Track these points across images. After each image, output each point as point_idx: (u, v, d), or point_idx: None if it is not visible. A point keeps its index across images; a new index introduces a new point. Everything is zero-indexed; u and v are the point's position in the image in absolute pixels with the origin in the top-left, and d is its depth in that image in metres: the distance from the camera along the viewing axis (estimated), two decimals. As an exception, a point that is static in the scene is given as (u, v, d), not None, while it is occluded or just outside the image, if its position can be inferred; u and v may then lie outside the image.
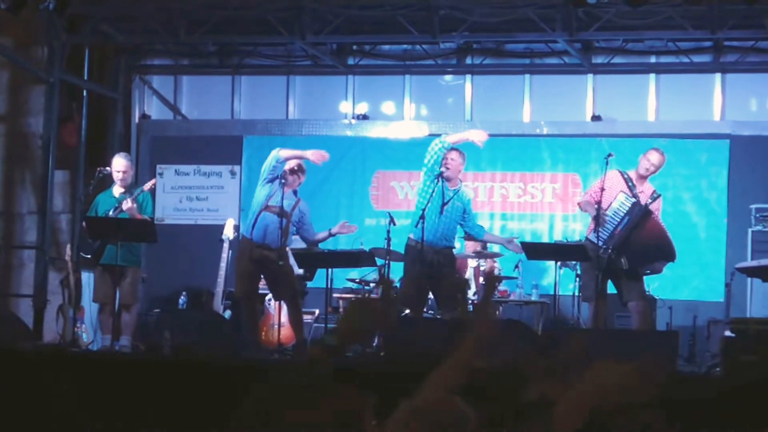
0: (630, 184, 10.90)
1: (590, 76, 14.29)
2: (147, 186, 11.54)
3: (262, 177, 11.05)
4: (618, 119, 14.16)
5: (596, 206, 10.69)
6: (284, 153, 11.02)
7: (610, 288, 10.90)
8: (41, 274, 13.56)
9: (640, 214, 10.75)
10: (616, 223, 10.76)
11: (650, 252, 10.80)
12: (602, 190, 10.82)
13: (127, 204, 11.17)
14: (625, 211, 10.76)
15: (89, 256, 11.55)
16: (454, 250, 11.16)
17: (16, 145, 14.74)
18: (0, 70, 14.72)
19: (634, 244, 10.72)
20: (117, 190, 11.53)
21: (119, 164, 11.56)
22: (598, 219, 10.64)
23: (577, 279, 11.80)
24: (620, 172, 11.04)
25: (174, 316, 11.01)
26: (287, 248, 11.24)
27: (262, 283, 11.47)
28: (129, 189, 11.50)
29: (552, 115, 14.37)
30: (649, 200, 10.89)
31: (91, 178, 12.51)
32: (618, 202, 10.78)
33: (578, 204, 11.52)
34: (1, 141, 14.81)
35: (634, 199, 10.79)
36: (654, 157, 10.92)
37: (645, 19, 12.69)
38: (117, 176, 11.51)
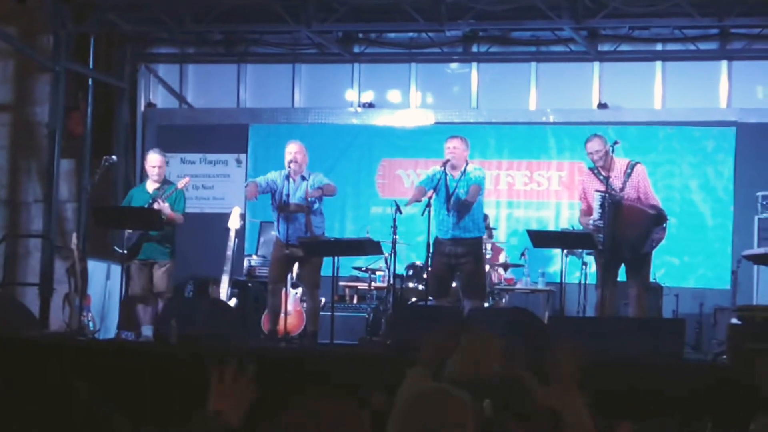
0: (600, 177, 10.67)
1: (596, 63, 14.26)
2: (180, 184, 11.57)
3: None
4: (624, 107, 14.13)
5: (591, 220, 10.59)
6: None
7: (622, 275, 10.81)
8: (47, 263, 13.58)
9: (612, 209, 10.50)
10: (602, 224, 10.55)
11: (635, 236, 10.57)
12: (584, 192, 10.76)
13: (158, 205, 11.28)
14: (600, 209, 10.54)
15: (125, 252, 11.63)
16: (478, 240, 11.12)
17: (22, 133, 14.76)
18: (6, 59, 14.74)
19: (620, 237, 10.52)
20: (151, 185, 11.68)
21: (154, 159, 11.71)
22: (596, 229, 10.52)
23: (584, 267, 11.78)
24: (590, 168, 10.88)
25: (180, 305, 11.02)
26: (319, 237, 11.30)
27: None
28: (162, 184, 11.58)
29: (558, 102, 14.34)
30: (625, 177, 10.66)
31: (96, 167, 12.53)
32: (596, 203, 10.61)
33: (579, 222, 11.29)
34: (6, 130, 14.83)
35: (604, 194, 10.53)
36: (591, 146, 10.71)
37: (651, 6, 12.66)
38: (152, 171, 11.69)
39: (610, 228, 10.40)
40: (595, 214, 10.52)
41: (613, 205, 10.44)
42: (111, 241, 12.33)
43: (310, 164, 11.32)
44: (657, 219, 10.59)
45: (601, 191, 10.51)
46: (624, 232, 10.47)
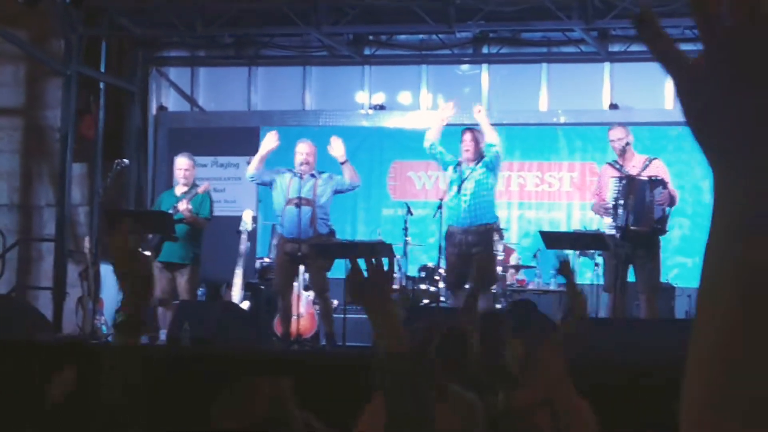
0: (617, 166, 10.76)
1: (607, 64, 14.25)
2: (201, 189, 11.58)
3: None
4: (635, 107, 14.12)
5: (603, 204, 10.62)
6: (250, 169, 11.47)
7: (631, 276, 10.81)
8: (60, 267, 13.61)
9: (625, 185, 10.60)
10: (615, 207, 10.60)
11: (641, 206, 10.56)
12: (600, 186, 10.79)
13: (183, 205, 11.32)
14: (616, 193, 10.61)
15: (149, 253, 11.65)
16: (489, 227, 11.15)
17: (34, 138, 14.80)
18: (17, 63, 14.77)
19: (633, 211, 10.53)
20: (179, 189, 11.75)
21: (182, 163, 11.78)
22: (609, 212, 10.54)
23: (596, 268, 11.77)
24: (610, 162, 10.96)
25: (193, 308, 11.03)
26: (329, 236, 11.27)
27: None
28: (191, 188, 11.63)
29: (569, 103, 14.33)
30: (642, 168, 10.70)
31: (108, 170, 12.57)
32: (611, 190, 10.64)
33: (592, 210, 11.36)
34: (18, 134, 14.87)
35: (620, 177, 10.62)
36: (614, 133, 10.85)
37: (661, 6, 12.64)
38: (179, 175, 11.77)
39: (623, 204, 10.42)
40: (610, 199, 10.55)
41: (627, 184, 10.50)
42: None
43: (321, 166, 11.33)
44: (653, 183, 10.55)
45: (617, 176, 10.59)
46: (632, 207, 10.48)
